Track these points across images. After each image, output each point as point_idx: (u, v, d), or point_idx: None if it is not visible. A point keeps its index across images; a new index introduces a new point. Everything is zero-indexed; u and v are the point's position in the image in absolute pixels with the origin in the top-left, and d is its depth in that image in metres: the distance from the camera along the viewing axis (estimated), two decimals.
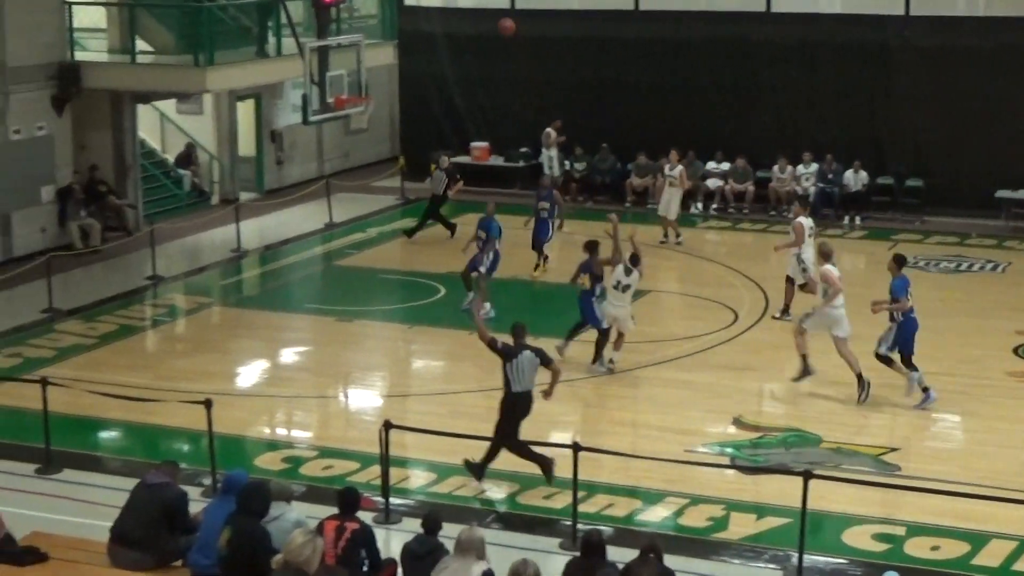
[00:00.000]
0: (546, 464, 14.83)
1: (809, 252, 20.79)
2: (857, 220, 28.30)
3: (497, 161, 31.75)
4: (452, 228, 26.52)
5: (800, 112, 29.51)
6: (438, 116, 32.51)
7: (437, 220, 26.77)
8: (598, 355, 18.93)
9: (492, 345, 15.05)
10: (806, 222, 21.25)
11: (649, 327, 21.03)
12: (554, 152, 29.76)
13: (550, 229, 24.43)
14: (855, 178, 28.50)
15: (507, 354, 14.93)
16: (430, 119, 32.43)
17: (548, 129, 29.71)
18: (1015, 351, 19.81)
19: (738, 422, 16.98)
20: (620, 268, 18.85)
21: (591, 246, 19.23)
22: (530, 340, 15.26)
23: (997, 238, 26.95)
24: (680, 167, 26.52)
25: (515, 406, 14.96)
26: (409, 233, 26.70)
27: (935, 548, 13.55)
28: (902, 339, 17.50)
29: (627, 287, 18.80)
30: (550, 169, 29.39)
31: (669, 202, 26.31)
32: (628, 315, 18.91)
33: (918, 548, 13.55)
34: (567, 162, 30.69)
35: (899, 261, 18.08)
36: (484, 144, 31.83)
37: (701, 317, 21.57)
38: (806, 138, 29.21)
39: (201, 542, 11.35)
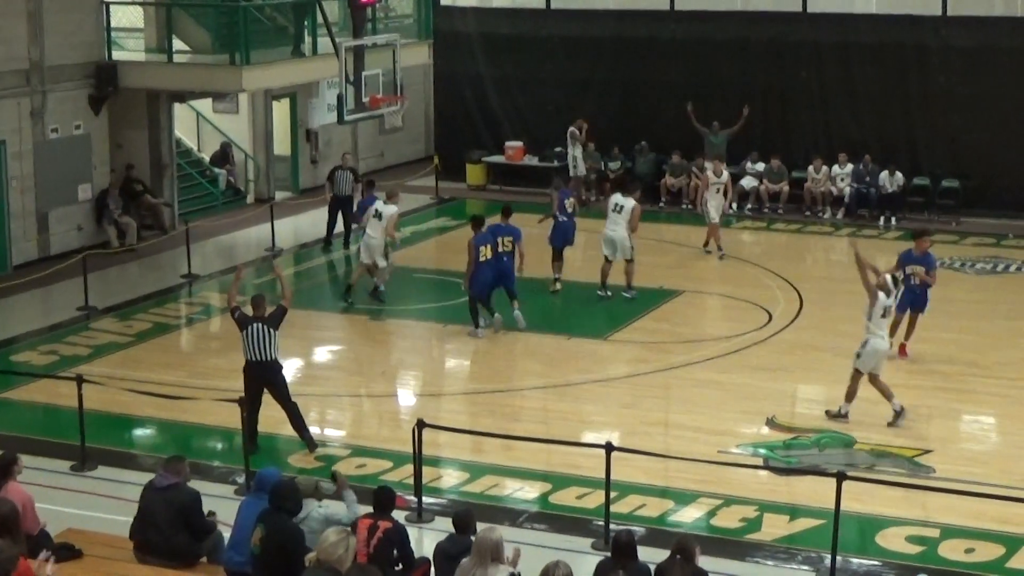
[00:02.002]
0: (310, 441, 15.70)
1: None
2: (893, 221, 28.18)
3: (531, 161, 31.74)
4: None
5: (836, 113, 29.44)
6: (473, 115, 32.54)
7: None
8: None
9: (232, 313, 16.02)
10: None
11: (683, 327, 21.04)
12: (579, 152, 29.69)
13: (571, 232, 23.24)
14: (891, 179, 28.38)
15: (240, 323, 15.82)
16: (465, 118, 32.48)
17: (572, 128, 29.66)
18: None
19: (771, 423, 16.93)
20: (882, 295, 17.00)
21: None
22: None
23: None
24: (727, 173, 25.69)
25: (248, 374, 15.79)
26: None
27: (969, 551, 13.47)
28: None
29: (887, 308, 17.09)
30: (575, 169, 29.37)
31: (719, 206, 25.12)
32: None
33: (952, 551, 13.48)
34: (603, 162, 30.65)
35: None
36: (518, 144, 31.83)
37: (735, 318, 21.51)
38: (842, 139, 29.12)
39: (235, 540, 11.39)
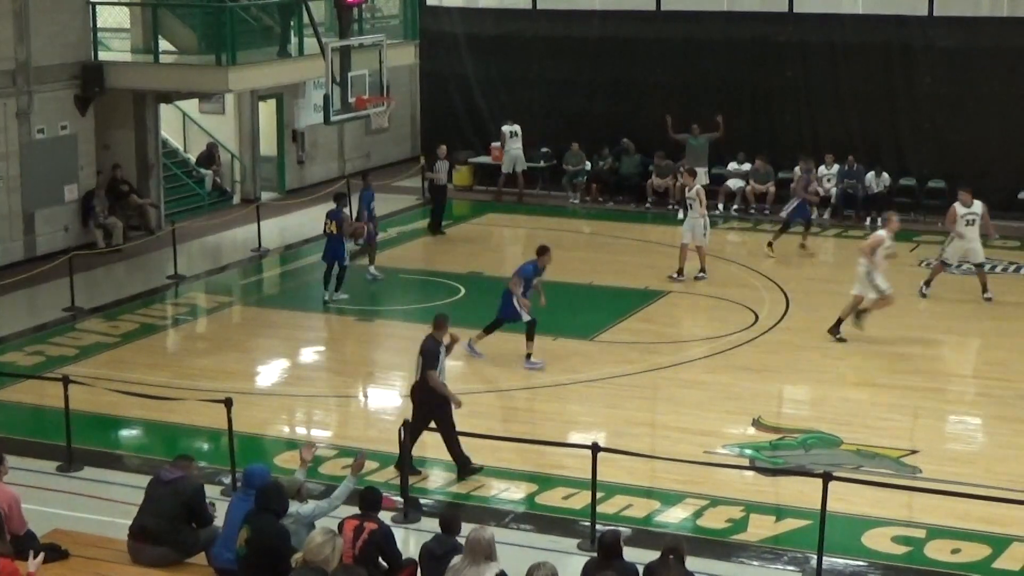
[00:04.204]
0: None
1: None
2: (879, 222, 28.17)
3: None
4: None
5: (822, 113, 29.48)
6: (459, 115, 32.54)
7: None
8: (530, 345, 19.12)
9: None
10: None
11: (669, 328, 21.07)
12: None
13: None
14: (877, 180, 28.44)
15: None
16: (451, 119, 32.47)
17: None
18: None
19: (758, 423, 16.95)
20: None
21: (541, 250, 19.39)
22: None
23: (1020, 239, 26.83)
24: (698, 186, 24.16)
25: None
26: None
27: (956, 551, 13.49)
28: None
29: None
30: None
31: (691, 226, 23.79)
32: None
33: (938, 551, 13.49)
34: (588, 162, 30.70)
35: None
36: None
37: (721, 318, 21.54)
38: (828, 139, 29.17)
39: (225, 536, 11.40)
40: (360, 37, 26.46)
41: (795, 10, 29.83)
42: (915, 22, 28.93)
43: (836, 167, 28.74)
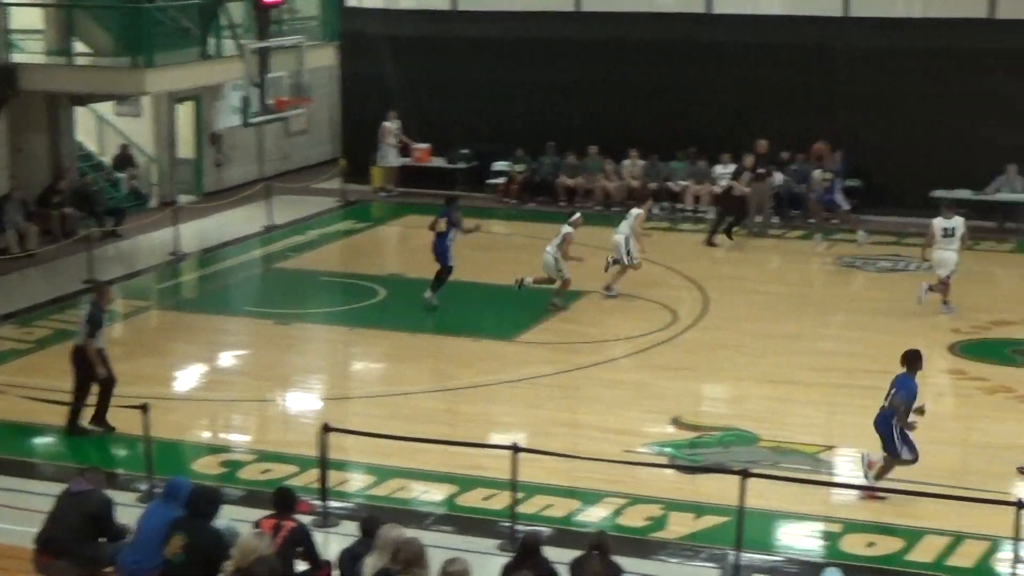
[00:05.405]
0: None
1: None
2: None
3: (439, 162, 31.72)
4: None
5: (740, 113, 29.60)
6: (380, 118, 32.42)
7: None
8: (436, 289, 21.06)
9: None
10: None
11: (589, 328, 21.12)
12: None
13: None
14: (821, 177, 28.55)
15: None
16: (372, 121, 32.33)
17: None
18: (950, 349, 19.99)
19: (677, 422, 17.04)
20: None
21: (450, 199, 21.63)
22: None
23: None
24: (636, 212, 23.24)
25: None
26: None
27: (871, 544, 13.64)
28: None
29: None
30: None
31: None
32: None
33: (854, 545, 13.64)
34: (505, 164, 30.73)
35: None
36: (425, 145, 31.79)
37: (641, 318, 21.61)
38: (746, 139, 29.29)
39: (135, 544, 11.25)
40: (279, 39, 26.31)
41: (714, 11, 30.04)
42: (831, 22, 29.21)
43: (733, 166, 28.89)
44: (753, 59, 29.51)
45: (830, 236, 26.92)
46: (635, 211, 23.18)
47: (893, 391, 14.74)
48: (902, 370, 14.95)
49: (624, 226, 22.85)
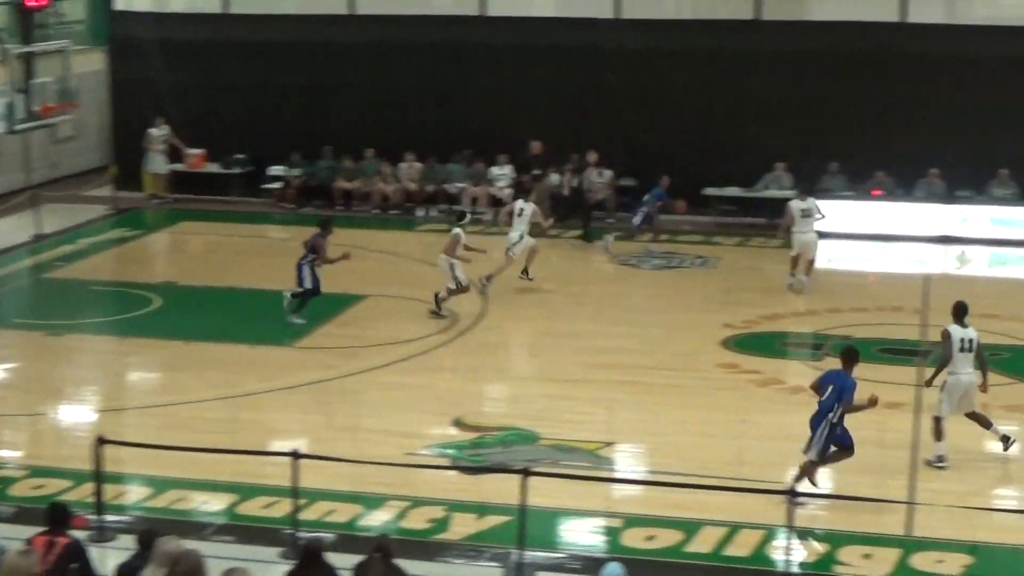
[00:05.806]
0: None
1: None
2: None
3: (214, 168, 31.24)
4: None
5: (514, 115, 29.80)
6: (152, 123, 31.79)
7: None
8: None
9: None
10: None
11: (368, 332, 21.05)
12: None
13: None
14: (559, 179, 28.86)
15: None
16: (144, 126, 31.63)
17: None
18: (723, 343, 20.47)
19: (459, 423, 17.09)
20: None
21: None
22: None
23: (705, 234, 27.84)
24: (530, 206, 23.70)
25: None
26: None
27: (651, 538, 13.87)
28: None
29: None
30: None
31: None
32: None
33: (635, 539, 13.85)
34: (282, 168, 30.46)
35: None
36: (200, 151, 31.28)
37: (420, 320, 21.61)
38: (513, 139, 29.51)
39: None
40: (44, 43, 25.61)
41: (488, 13, 30.24)
42: (603, 24, 29.67)
43: (508, 167, 29.10)
44: (527, 61, 29.80)
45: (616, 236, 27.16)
46: (527, 205, 23.57)
47: (831, 389, 14.51)
48: (836, 367, 15.00)
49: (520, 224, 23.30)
